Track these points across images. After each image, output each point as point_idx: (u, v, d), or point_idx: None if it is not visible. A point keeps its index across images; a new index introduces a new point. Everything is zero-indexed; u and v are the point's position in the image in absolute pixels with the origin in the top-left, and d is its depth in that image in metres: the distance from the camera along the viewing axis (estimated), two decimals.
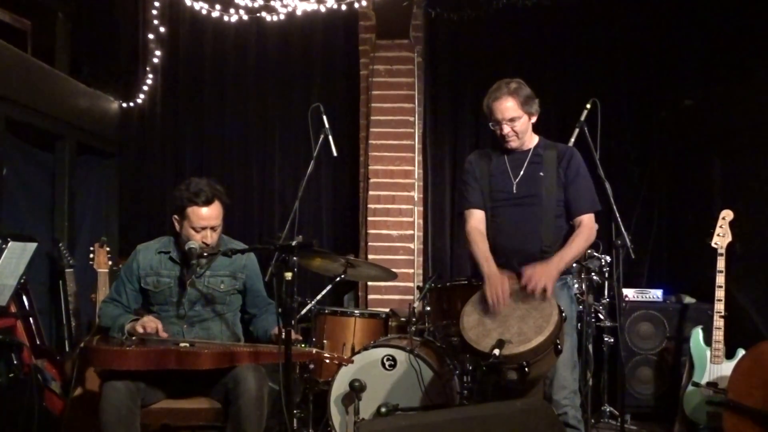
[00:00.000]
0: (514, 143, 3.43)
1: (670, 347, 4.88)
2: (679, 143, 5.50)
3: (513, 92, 3.37)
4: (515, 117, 3.37)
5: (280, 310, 2.96)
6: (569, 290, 3.44)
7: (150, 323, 3.25)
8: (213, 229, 3.39)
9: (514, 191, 3.41)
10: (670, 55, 5.50)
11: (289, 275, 2.92)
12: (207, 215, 3.36)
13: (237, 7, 5.07)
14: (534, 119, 3.44)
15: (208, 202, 3.36)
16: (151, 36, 5.83)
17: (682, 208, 5.45)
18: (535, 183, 3.38)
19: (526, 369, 2.97)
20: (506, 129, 3.39)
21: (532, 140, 3.48)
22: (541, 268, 3.17)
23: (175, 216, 3.43)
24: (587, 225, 3.36)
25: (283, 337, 2.93)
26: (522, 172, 3.42)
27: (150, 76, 5.98)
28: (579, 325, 3.80)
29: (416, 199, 5.57)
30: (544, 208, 3.36)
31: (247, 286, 3.58)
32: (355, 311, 4.58)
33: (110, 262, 4.62)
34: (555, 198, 3.38)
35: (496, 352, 2.92)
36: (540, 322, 3.05)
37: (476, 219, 3.50)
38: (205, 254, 3.35)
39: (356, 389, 3.83)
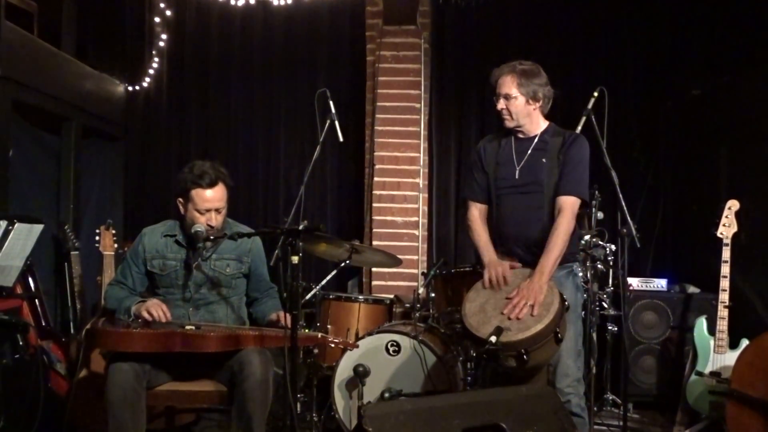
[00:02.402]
0: (508, 123, 3.40)
1: (674, 337, 4.88)
2: (685, 132, 5.48)
3: (517, 71, 3.34)
4: (509, 94, 3.34)
5: (285, 294, 2.97)
6: (575, 278, 3.43)
7: (155, 309, 3.24)
8: (218, 211, 3.39)
9: (517, 178, 3.39)
10: (677, 45, 5.47)
11: (295, 259, 2.92)
12: (211, 197, 3.36)
13: None
14: (537, 106, 3.38)
15: (212, 184, 3.35)
16: (157, 19, 5.82)
17: (687, 197, 5.44)
18: (538, 170, 3.36)
19: (525, 357, 2.97)
20: (500, 105, 3.38)
21: (540, 126, 3.44)
22: (525, 289, 3.12)
23: (180, 199, 3.43)
24: (566, 213, 3.26)
25: (289, 321, 2.94)
26: (525, 159, 3.39)
27: (156, 59, 5.98)
28: (583, 313, 3.79)
29: (421, 185, 5.57)
30: (546, 195, 3.33)
31: (251, 270, 3.59)
32: (360, 297, 4.59)
33: (116, 245, 4.62)
34: (556, 185, 3.34)
35: (493, 339, 2.93)
36: (540, 311, 3.06)
37: (478, 210, 3.53)
38: (211, 237, 3.35)
39: (360, 374, 3.84)
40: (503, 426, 2.59)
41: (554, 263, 3.20)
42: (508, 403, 2.69)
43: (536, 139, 3.42)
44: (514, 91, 3.34)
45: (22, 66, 4.69)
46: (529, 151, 3.40)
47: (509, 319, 3.06)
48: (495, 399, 2.72)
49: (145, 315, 3.22)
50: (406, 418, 2.48)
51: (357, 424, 2.53)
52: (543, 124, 3.46)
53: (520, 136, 3.44)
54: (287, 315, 3.02)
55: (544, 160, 3.36)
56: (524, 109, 3.37)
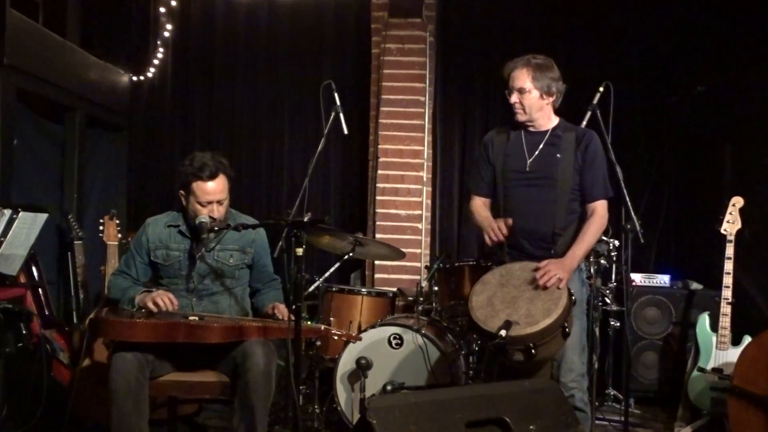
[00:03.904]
0: (520, 117, 3.40)
1: (676, 333, 4.88)
2: (690, 129, 5.48)
3: (531, 65, 3.35)
4: (523, 88, 3.34)
5: (288, 286, 2.98)
6: (581, 273, 3.43)
7: (161, 299, 3.25)
8: (219, 203, 3.38)
9: (528, 170, 3.38)
10: (683, 41, 5.47)
11: (299, 251, 2.93)
12: (212, 189, 3.35)
13: None
14: (550, 100, 3.38)
15: (212, 177, 3.34)
16: (162, 9, 5.82)
17: (691, 193, 5.44)
18: (552, 164, 3.35)
19: (533, 351, 2.97)
20: (513, 98, 3.38)
21: (551, 121, 3.44)
22: (555, 262, 3.16)
23: (181, 191, 3.43)
24: (600, 213, 3.33)
25: (286, 314, 2.94)
26: (537, 152, 3.38)
27: (161, 49, 5.97)
28: (587, 308, 3.79)
29: (425, 179, 5.57)
30: (559, 190, 3.33)
31: (254, 261, 3.59)
32: (363, 289, 4.59)
33: (119, 235, 4.62)
34: (570, 181, 3.34)
35: (503, 333, 2.93)
36: (548, 305, 3.05)
37: (481, 202, 3.56)
38: (215, 228, 3.35)
39: (362, 367, 3.83)
40: (507, 420, 2.59)
41: (584, 253, 3.28)
42: (512, 397, 2.69)
43: (548, 134, 3.41)
44: (528, 85, 3.34)
45: (27, 55, 4.68)
46: (542, 145, 3.39)
47: (518, 312, 3.06)
48: (498, 393, 2.71)
49: (151, 306, 3.22)
50: (410, 411, 2.47)
51: (360, 417, 2.53)
52: (554, 119, 3.46)
53: (531, 129, 3.44)
54: (289, 307, 3.02)
55: (558, 155, 3.36)
56: (538, 103, 3.37)
